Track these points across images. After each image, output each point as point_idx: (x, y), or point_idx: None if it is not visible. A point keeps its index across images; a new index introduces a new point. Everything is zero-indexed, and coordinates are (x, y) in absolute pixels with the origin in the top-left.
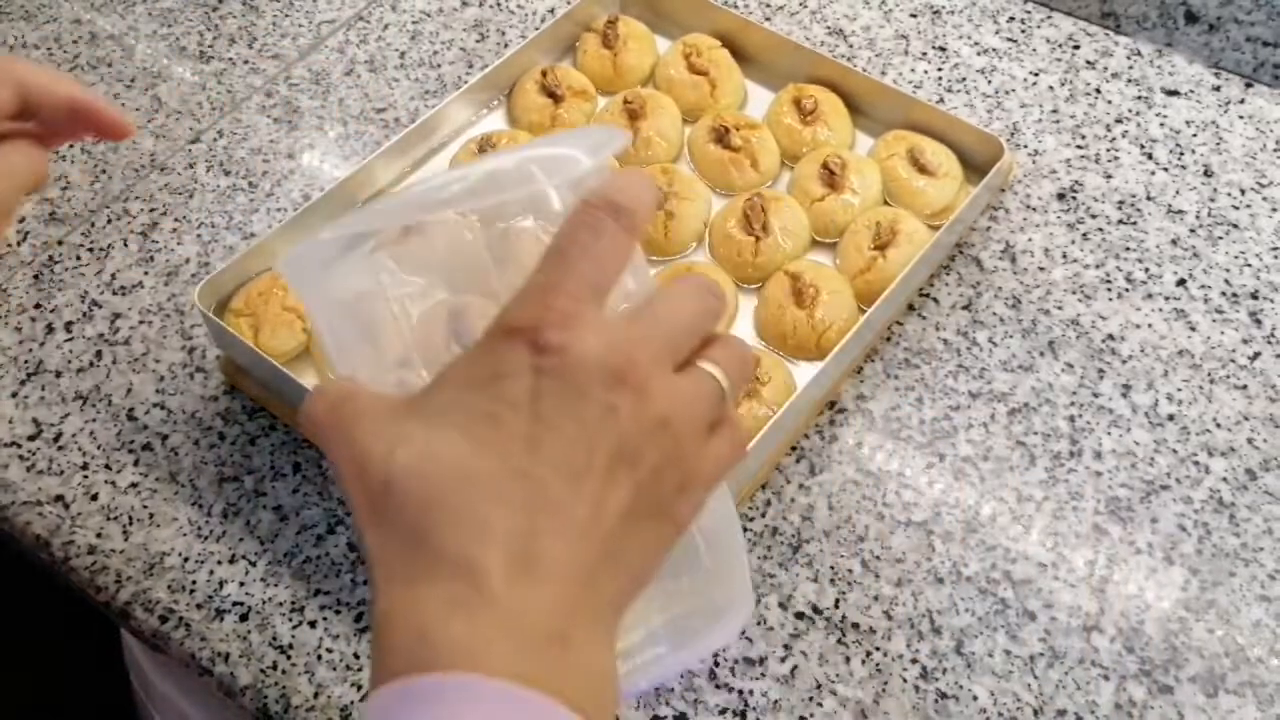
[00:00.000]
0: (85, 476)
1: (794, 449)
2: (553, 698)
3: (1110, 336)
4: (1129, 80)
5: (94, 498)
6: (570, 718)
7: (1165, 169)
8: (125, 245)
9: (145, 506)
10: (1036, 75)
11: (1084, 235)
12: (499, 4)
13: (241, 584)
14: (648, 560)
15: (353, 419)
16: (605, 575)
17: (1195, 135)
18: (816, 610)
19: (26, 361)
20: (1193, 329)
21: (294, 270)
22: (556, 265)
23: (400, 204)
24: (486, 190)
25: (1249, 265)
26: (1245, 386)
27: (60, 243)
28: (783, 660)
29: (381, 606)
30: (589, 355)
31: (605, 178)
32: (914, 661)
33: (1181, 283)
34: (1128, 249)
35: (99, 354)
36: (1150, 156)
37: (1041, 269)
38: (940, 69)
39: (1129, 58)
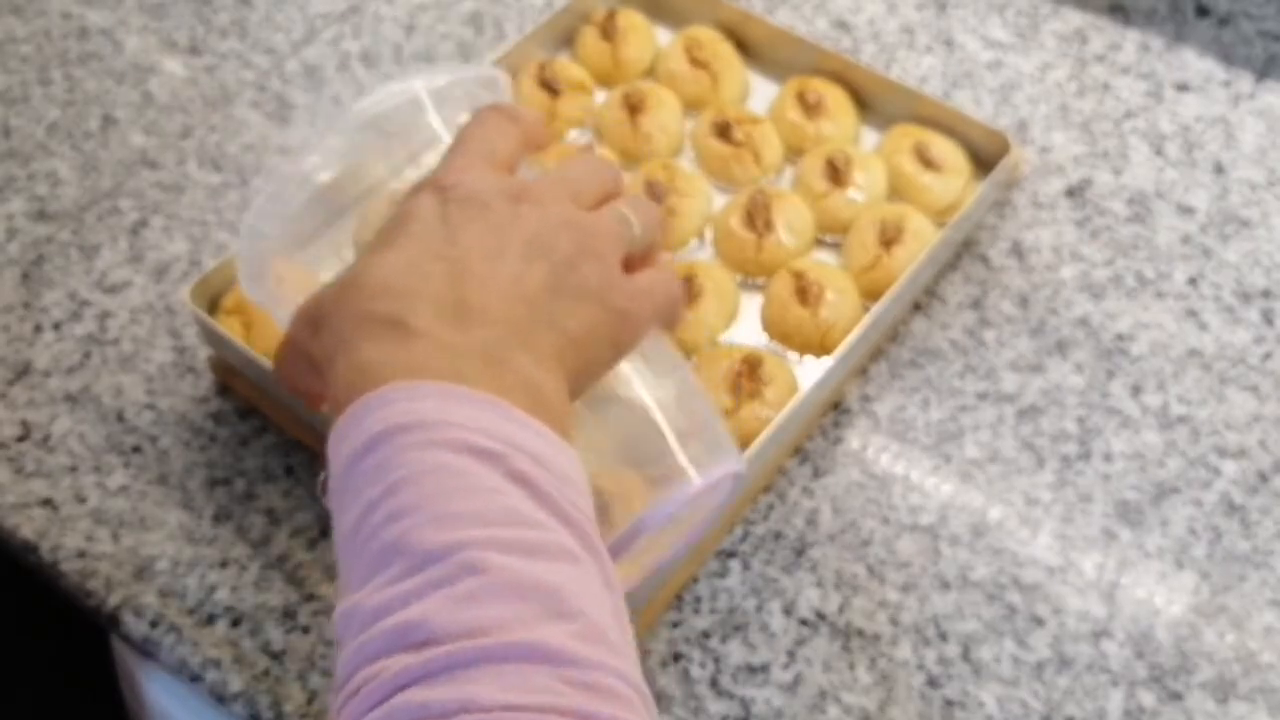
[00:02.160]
0: (74, 479)
1: (797, 451)
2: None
3: (1120, 336)
4: (1138, 75)
5: (83, 500)
6: (506, 407)
7: (1175, 165)
8: (115, 243)
9: (135, 510)
10: (1044, 69)
11: (1093, 233)
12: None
13: (233, 589)
14: (586, 332)
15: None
16: (539, 331)
17: (1206, 131)
18: (820, 616)
19: (14, 362)
20: (1204, 329)
21: (255, 293)
22: (451, 149)
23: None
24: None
25: (1260, 264)
26: (1256, 387)
27: (49, 240)
28: (786, 667)
29: (329, 383)
30: (488, 183)
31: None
32: (920, 668)
33: (1192, 281)
34: (1137, 247)
35: (88, 354)
36: (1160, 153)
37: (1050, 267)
38: (946, 63)
39: (1138, 52)
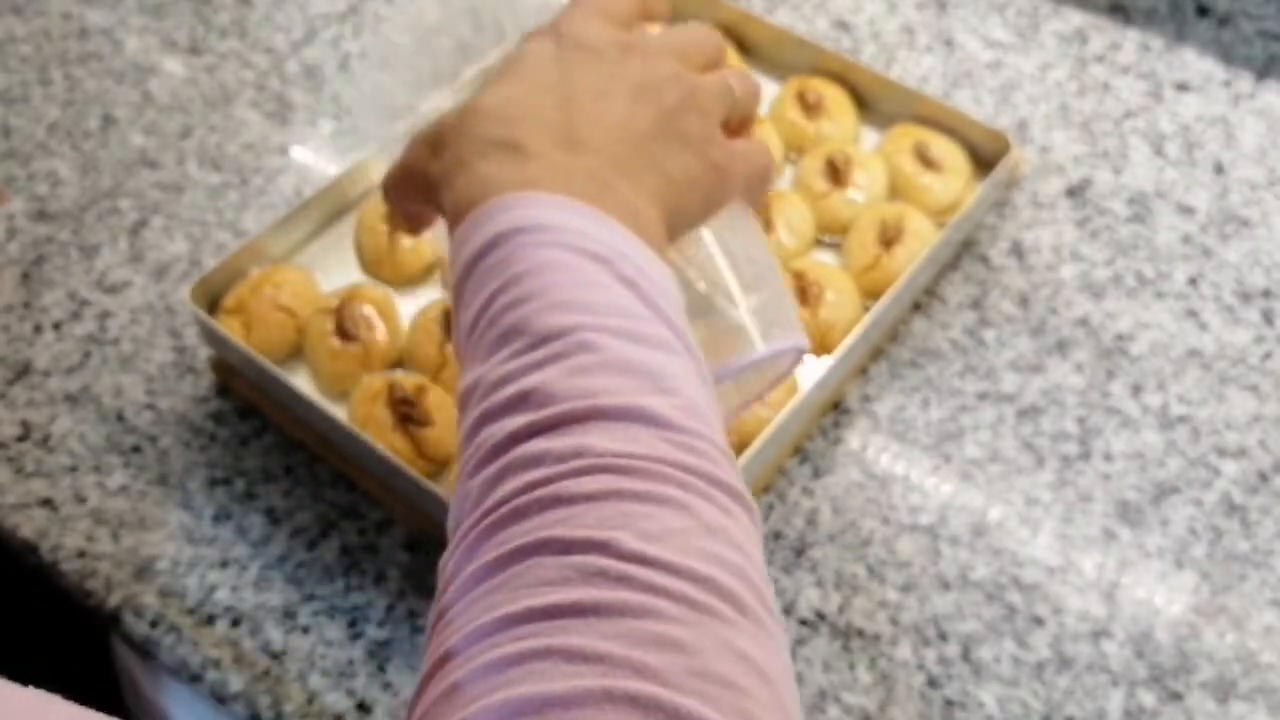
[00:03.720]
0: (74, 479)
1: (797, 451)
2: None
3: (1120, 336)
4: (1139, 75)
5: (83, 500)
6: (612, 221)
7: (1175, 165)
8: (115, 243)
9: (135, 510)
10: (1045, 69)
11: (1093, 233)
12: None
13: (233, 589)
14: (684, 178)
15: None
16: (640, 168)
17: (1206, 131)
18: (821, 616)
19: (14, 362)
20: (1204, 328)
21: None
22: (571, 3)
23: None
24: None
25: (1260, 264)
26: (1257, 387)
27: (49, 240)
28: None
29: (447, 199)
30: (601, 33)
31: None
32: (920, 668)
33: (1192, 281)
34: (1137, 247)
35: (88, 354)
36: (1160, 152)
37: (1050, 267)
38: (946, 62)
39: (1138, 51)
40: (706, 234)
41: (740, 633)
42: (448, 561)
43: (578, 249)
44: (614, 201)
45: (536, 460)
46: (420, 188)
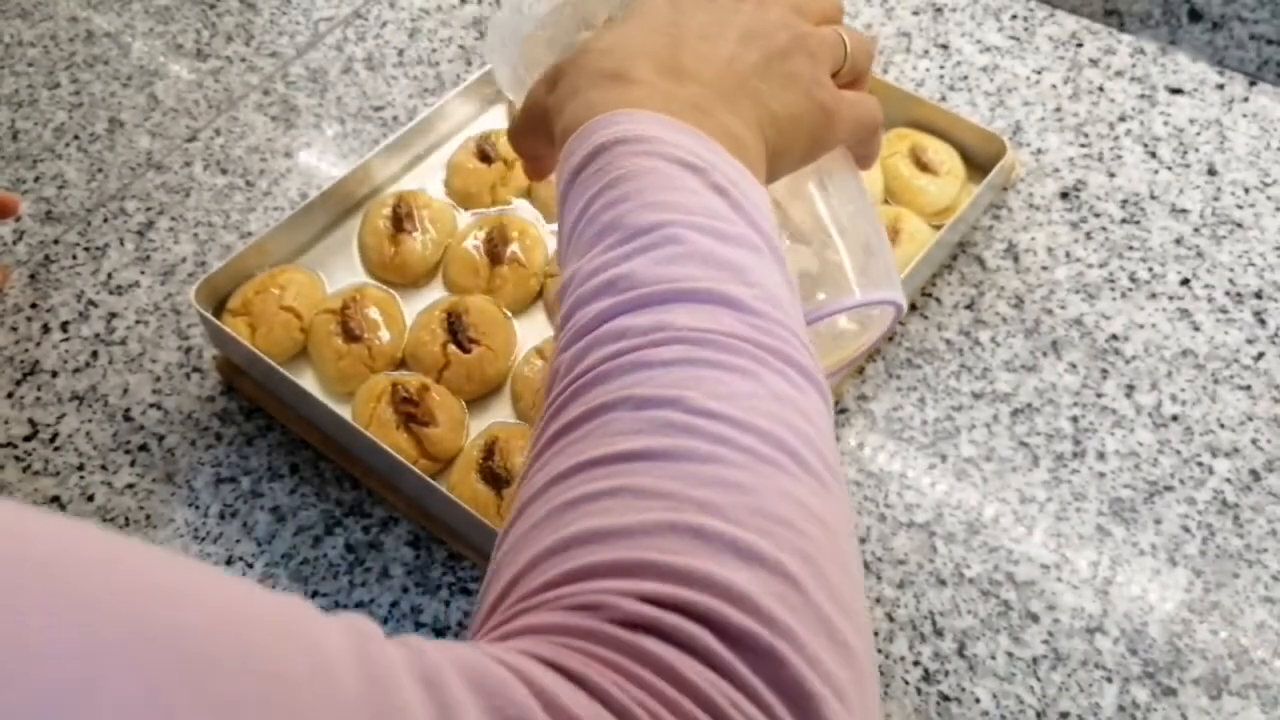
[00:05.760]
0: (81, 477)
1: None
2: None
3: (1114, 336)
4: (1132, 78)
5: (90, 499)
6: (709, 140)
7: (1169, 168)
8: (122, 244)
9: (142, 508)
10: (1039, 73)
11: (1087, 234)
12: (498, 1)
13: None
14: (788, 114)
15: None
16: (745, 101)
17: (1199, 134)
18: None
19: (22, 361)
20: (1196, 329)
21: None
22: None
23: None
24: None
25: (1253, 265)
26: (1249, 387)
27: (56, 242)
28: None
29: (558, 127)
30: None
31: None
32: (916, 664)
33: (1185, 282)
34: (1131, 248)
35: (95, 354)
36: (1154, 155)
37: (1045, 268)
38: (943, 67)
39: (1132, 56)
40: (811, 184)
41: (800, 484)
42: (535, 426)
43: (673, 158)
44: (714, 126)
45: (620, 334)
46: (540, 125)
